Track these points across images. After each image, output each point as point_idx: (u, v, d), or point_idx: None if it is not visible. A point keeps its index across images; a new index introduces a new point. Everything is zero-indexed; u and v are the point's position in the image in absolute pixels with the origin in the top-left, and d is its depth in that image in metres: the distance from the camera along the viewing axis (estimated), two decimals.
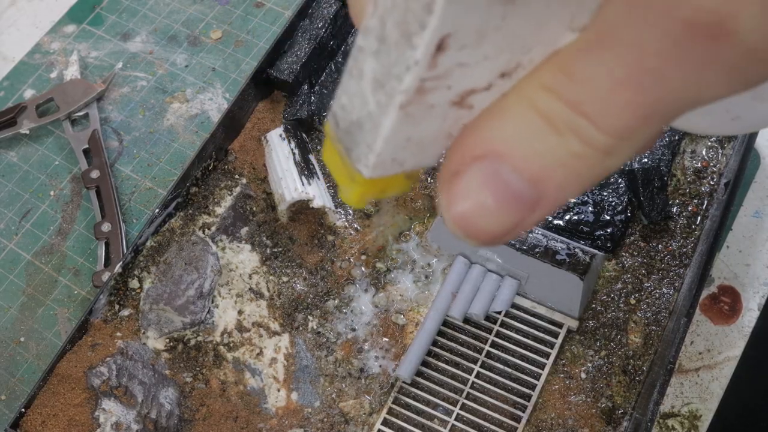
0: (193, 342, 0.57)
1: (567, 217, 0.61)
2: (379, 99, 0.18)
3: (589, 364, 0.56)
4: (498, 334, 0.57)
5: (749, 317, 0.59)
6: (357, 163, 0.19)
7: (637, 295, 0.58)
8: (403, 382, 0.56)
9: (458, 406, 0.55)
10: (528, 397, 0.55)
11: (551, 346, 0.56)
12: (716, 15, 0.14)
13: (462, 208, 0.17)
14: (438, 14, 0.15)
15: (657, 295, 0.58)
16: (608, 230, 0.60)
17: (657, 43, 0.15)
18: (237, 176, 0.64)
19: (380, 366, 0.56)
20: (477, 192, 0.17)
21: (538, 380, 0.55)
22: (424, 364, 0.56)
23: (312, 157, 0.63)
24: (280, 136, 0.63)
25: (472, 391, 0.55)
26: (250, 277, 0.60)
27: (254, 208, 0.63)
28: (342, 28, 0.69)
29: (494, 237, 0.17)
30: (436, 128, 0.18)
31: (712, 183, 0.62)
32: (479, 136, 0.17)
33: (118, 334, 0.57)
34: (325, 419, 0.55)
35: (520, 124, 0.16)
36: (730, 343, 0.58)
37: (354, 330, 0.58)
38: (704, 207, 0.61)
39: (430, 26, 0.16)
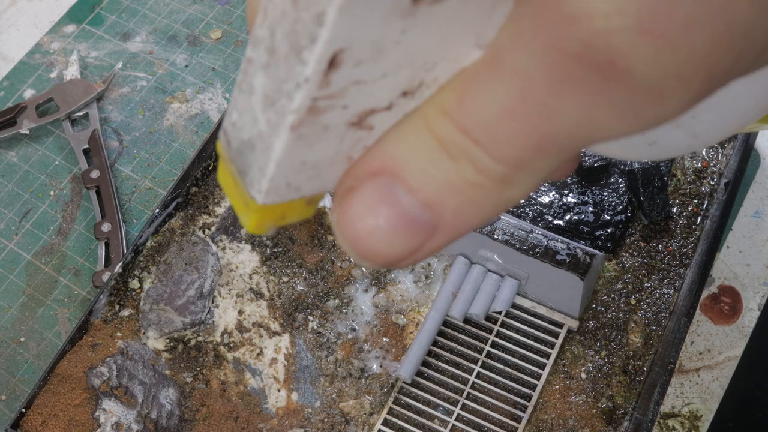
0: (193, 342, 0.57)
1: (567, 217, 0.61)
2: (270, 118, 0.16)
3: (590, 364, 0.56)
4: (498, 334, 0.57)
5: (749, 317, 0.59)
6: (250, 189, 0.17)
7: (637, 295, 0.58)
8: (404, 382, 0.55)
9: (459, 406, 0.55)
10: (528, 397, 0.55)
11: (551, 346, 0.56)
12: (607, 53, 0.13)
13: (354, 228, 0.16)
14: (330, 26, 0.14)
15: (657, 295, 0.58)
16: (608, 230, 0.60)
17: (544, 75, 0.14)
18: None
19: (380, 366, 0.56)
20: (370, 212, 0.16)
21: (538, 380, 0.55)
22: (425, 364, 0.56)
23: None
24: None
25: (472, 391, 0.55)
26: (250, 277, 0.60)
27: None
28: None
29: (389, 261, 0.16)
30: (333, 151, 0.16)
31: (712, 183, 0.62)
32: (377, 151, 0.16)
33: (119, 334, 0.57)
34: (326, 419, 0.55)
35: (416, 145, 0.16)
36: (730, 343, 0.58)
37: (354, 330, 0.58)
38: (704, 207, 0.61)
39: (321, 40, 0.14)
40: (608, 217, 0.61)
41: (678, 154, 0.22)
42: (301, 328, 0.58)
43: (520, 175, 0.15)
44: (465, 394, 0.55)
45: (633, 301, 0.58)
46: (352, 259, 0.60)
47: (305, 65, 0.15)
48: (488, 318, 0.57)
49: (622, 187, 0.62)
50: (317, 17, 0.14)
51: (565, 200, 0.62)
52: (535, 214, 0.61)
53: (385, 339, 0.57)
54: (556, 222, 0.60)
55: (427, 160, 0.15)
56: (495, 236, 0.59)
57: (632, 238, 0.60)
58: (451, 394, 0.55)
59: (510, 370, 0.56)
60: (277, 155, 0.16)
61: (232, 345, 0.57)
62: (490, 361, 0.56)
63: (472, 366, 0.56)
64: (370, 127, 0.16)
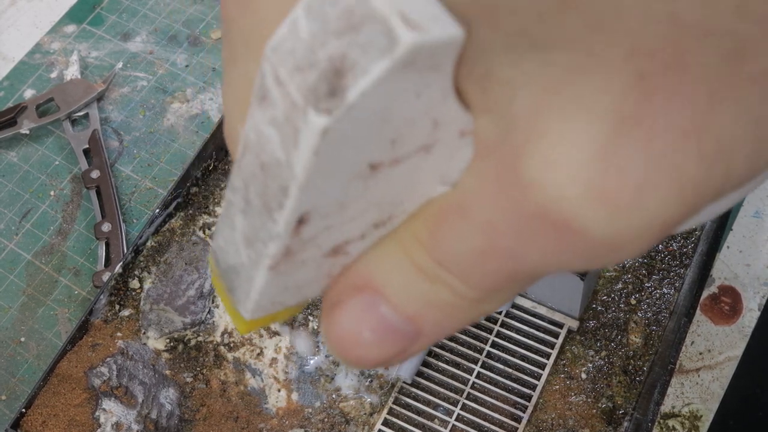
0: (193, 342, 0.57)
1: None
2: (250, 255, 0.17)
3: (590, 365, 0.56)
4: (498, 335, 0.57)
5: (750, 317, 0.59)
6: (237, 305, 0.19)
7: (637, 295, 0.58)
8: (404, 382, 0.56)
9: (459, 406, 0.55)
10: (528, 398, 0.55)
11: (552, 346, 0.56)
12: (562, 216, 0.14)
13: (343, 340, 0.17)
14: (294, 198, 0.15)
15: (657, 295, 0.58)
16: None
17: (508, 226, 0.15)
18: None
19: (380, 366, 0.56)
20: (356, 325, 0.17)
21: (538, 380, 0.55)
22: (425, 364, 0.56)
23: None
24: None
25: (472, 391, 0.55)
26: None
27: None
28: None
29: (376, 365, 0.17)
30: (312, 275, 0.18)
31: None
32: (360, 269, 0.17)
33: (119, 334, 0.57)
34: (326, 419, 0.55)
35: (395, 266, 0.17)
36: (730, 344, 0.58)
37: None
38: None
39: (287, 207, 0.15)
40: None
41: None
42: (301, 328, 0.58)
43: (494, 296, 0.16)
44: (465, 394, 0.55)
45: (633, 301, 0.58)
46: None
47: (276, 224, 0.16)
48: (488, 318, 0.57)
49: None
50: (282, 189, 0.15)
51: None
52: None
53: None
54: None
55: (406, 280, 0.16)
56: None
57: None
58: (451, 394, 0.55)
59: (510, 370, 0.56)
60: (259, 286, 0.17)
61: (232, 345, 0.57)
62: (490, 361, 0.56)
63: (472, 366, 0.56)
64: (346, 252, 0.17)
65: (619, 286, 0.59)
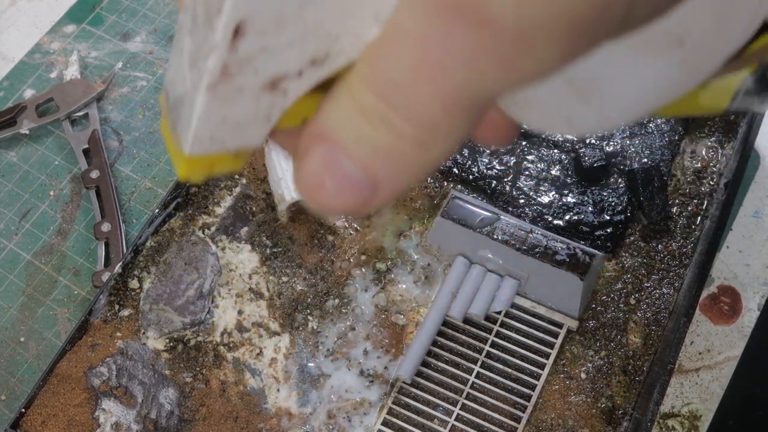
0: (193, 342, 0.57)
1: (567, 217, 0.61)
2: (193, 77, 0.18)
3: (589, 365, 0.56)
4: (498, 335, 0.57)
5: (749, 317, 0.59)
6: (180, 140, 0.20)
7: (637, 295, 0.58)
8: (403, 382, 0.56)
9: (458, 406, 0.55)
10: (528, 398, 0.55)
11: (551, 346, 0.56)
12: (475, 3, 0.15)
13: (308, 186, 0.18)
14: (230, 3, 0.16)
15: (657, 295, 0.58)
16: (608, 230, 0.60)
17: (435, 31, 0.15)
18: (237, 176, 0.64)
19: (380, 366, 0.56)
20: (319, 174, 0.18)
21: (538, 380, 0.55)
22: (424, 364, 0.56)
23: None
24: None
25: (472, 391, 0.55)
26: (250, 277, 0.60)
27: (254, 208, 0.63)
28: None
29: (342, 212, 0.19)
30: (251, 111, 0.19)
31: (712, 183, 0.62)
32: (320, 119, 0.18)
33: (118, 334, 0.57)
34: (325, 419, 0.55)
35: (345, 114, 0.17)
36: (730, 343, 0.58)
37: (354, 330, 0.58)
38: (704, 207, 0.61)
39: (224, 11, 0.16)
40: (608, 217, 0.61)
41: (593, 130, 0.24)
42: (300, 328, 0.58)
43: (434, 136, 0.17)
44: (465, 394, 0.55)
45: (633, 301, 0.58)
46: (351, 259, 0.60)
47: (215, 32, 0.17)
48: (488, 318, 0.57)
49: (621, 187, 0.62)
50: None
51: (565, 200, 0.62)
52: (535, 214, 0.61)
53: (384, 339, 0.57)
54: (556, 222, 0.60)
55: (356, 129, 0.17)
56: (495, 236, 0.59)
57: (632, 238, 0.60)
58: (451, 394, 0.55)
59: (509, 370, 0.56)
60: (198, 111, 0.18)
61: (231, 345, 0.57)
62: (489, 361, 0.56)
63: (472, 366, 0.56)
64: (284, 91, 0.18)
65: (619, 286, 0.59)
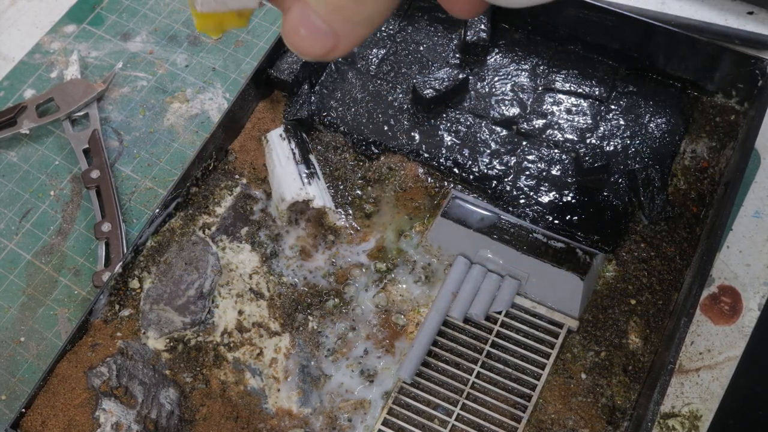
0: (193, 342, 0.57)
1: (567, 217, 0.61)
2: None
3: (590, 365, 0.56)
4: (498, 335, 0.57)
5: (749, 317, 0.59)
6: (194, 1, 0.27)
7: (637, 295, 0.58)
8: (404, 382, 0.56)
9: (458, 406, 0.55)
10: (528, 397, 0.55)
11: (551, 346, 0.56)
12: None
13: (289, 34, 0.25)
14: None
15: (657, 295, 0.58)
16: (608, 230, 0.60)
17: None
18: (237, 176, 0.64)
19: (380, 366, 0.56)
20: (296, 25, 0.25)
21: (538, 380, 0.55)
22: (425, 364, 0.56)
23: (312, 157, 0.63)
24: (281, 135, 0.63)
25: (472, 391, 0.55)
26: (250, 277, 0.60)
27: (254, 208, 0.63)
28: None
29: (318, 56, 0.25)
30: None
31: (712, 183, 0.62)
32: None
33: (118, 334, 0.57)
34: (326, 419, 0.55)
35: None
36: (730, 343, 0.58)
37: (354, 330, 0.58)
38: (704, 207, 0.61)
39: None
40: (608, 217, 0.61)
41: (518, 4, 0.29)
42: (301, 328, 0.58)
43: None
44: (465, 394, 0.55)
45: (633, 302, 0.58)
46: (351, 259, 0.60)
47: None
48: (488, 318, 0.58)
49: (622, 187, 0.62)
50: None
51: (565, 200, 0.62)
52: (536, 214, 0.61)
53: (385, 339, 0.57)
54: (556, 222, 0.60)
55: None
56: (495, 236, 0.59)
57: (632, 238, 0.60)
58: (451, 394, 0.55)
59: (510, 370, 0.56)
60: None
61: (232, 345, 0.57)
62: (490, 361, 0.56)
63: (472, 366, 0.56)
64: None
65: (619, 286, 0.59)
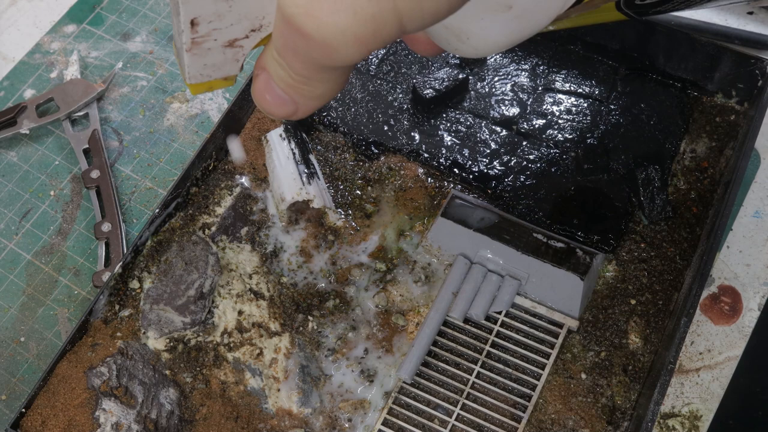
0: (193, 342, 0.57)
1: (567, 218, 0.61)
2: (179, 42, 0.29)
3: (590, 364, 0.56)
4: (498, 335, 0.57)
5: (750, 317, 0.59)
6: (182, 73, 0.30)
7: (637, 295, 0.58)
8: (404, 382, 0.56)
9: (458, 406, 0.55)
10: (528, 398, 0.55)
11: (551, 346, 0.56)
12: (296, 22, 0.23)
13: (257, 98, 0.28)
14: (182, 9, 0.27)
15: (657, 295, 0.58)
16: (608, 230, 0.60)
17: (281, 30, 0.25)
18: (237, 176, 0.64)
19: (380, 366, 0.56)
20: (262, 91, 0.28)
21: (538, 380, 0.55)
22: (425, 364, 0.56)
23: (312, 157, 0.63)
24: (281, 136, 0.63)
25: (472, 391, 0.55)
26: (250, 277, 0.60)
27: (254, 208, 0.63)
28: None
29: (281, 116, 0.28)
30: (221, 58, 0.30)
31: (712, 183, 0.62)
32: (262, 56, 0.28)
33: (118, 334, 0.57)
34: (326, 419, 0.55)
35: (269, 57, 0.27)
36: (730, 343, 0.58)
37: (354, 330, 0.58)
38: (704, 207, 0.61)
39: (181, 14, 0.27)
40: (608, 217, 0.61)
41: (477, 56, 0.33)
42: (300, 328, 0.58)
43: (314, 79, 0.26)
44: (465, 394, 0.55)
45: (633, 301, 0.58)
46: (351, 259, 0.60)
47: (180, 24, 0.28)
48: (488, 318, 0.57)
49: (622, 188, 0.62)
50: (176, 3, 0.27)
51: (565, 200, 0.62)
52: (535, 215, 0.61)
53: (385, 339, 0.57)
54: (556, 222, 0.60)
55: (275, 68, 0.27)
56: (495, 236, 0.59)
57: (632, 238, 0.60)
58: (451, 394, 0.55)
59: (510, 370, 0.56)
60: (187, 62, 0.29)
61: (232, 345, 0.57)
62: (490, 361, 0.56)
63: (472, 366, 0.56)
64: (241, 46, 0.30)
65: (619, 286, 0.59)
